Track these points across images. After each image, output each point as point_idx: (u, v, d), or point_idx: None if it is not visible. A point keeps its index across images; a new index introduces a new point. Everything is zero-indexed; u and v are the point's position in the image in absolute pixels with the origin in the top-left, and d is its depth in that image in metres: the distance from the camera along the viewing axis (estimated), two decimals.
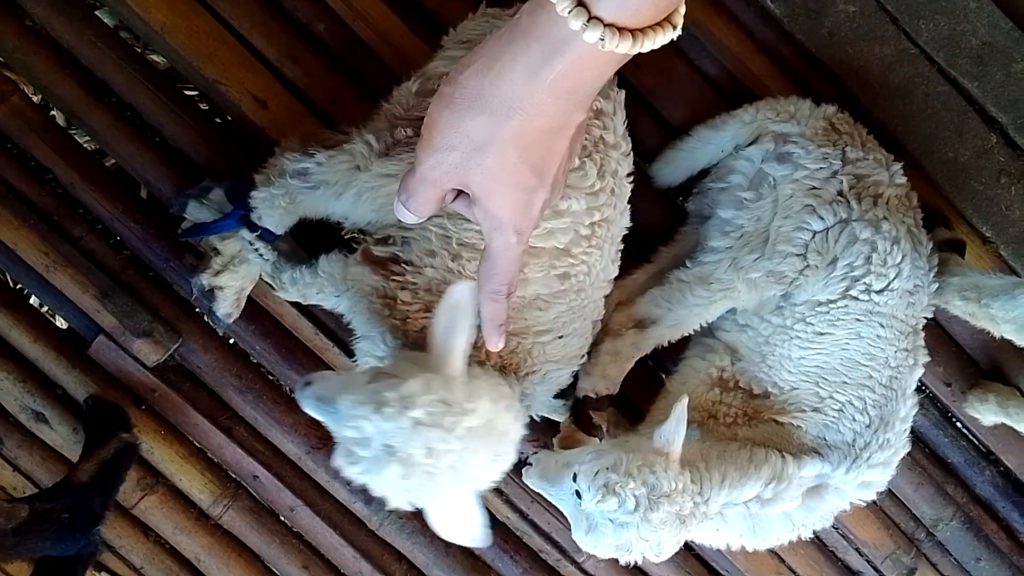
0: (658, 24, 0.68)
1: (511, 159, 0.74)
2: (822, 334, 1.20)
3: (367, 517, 1.50)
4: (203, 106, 1.37)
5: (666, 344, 1.30)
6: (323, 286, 1.19)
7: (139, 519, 1.45)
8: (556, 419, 1.34)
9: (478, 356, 1.07)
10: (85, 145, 1.37)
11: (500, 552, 1.51)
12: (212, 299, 1.27)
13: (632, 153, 1.16)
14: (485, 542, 1.04)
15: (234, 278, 1.27)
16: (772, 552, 1.55)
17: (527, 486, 1.46)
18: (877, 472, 1.22)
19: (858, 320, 1.19)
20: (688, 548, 1.56)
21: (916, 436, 1.51)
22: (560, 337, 1.14)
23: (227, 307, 1.28)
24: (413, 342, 1.10)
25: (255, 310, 1.37)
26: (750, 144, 1.28)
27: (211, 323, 1.35)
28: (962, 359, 1.51)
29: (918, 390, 1.27)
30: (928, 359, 1.26)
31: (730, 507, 1.16)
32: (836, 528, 1.56)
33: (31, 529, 1.14)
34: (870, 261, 1.17)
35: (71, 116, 1.33)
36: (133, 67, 1.30)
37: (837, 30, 1.34)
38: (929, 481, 1.54)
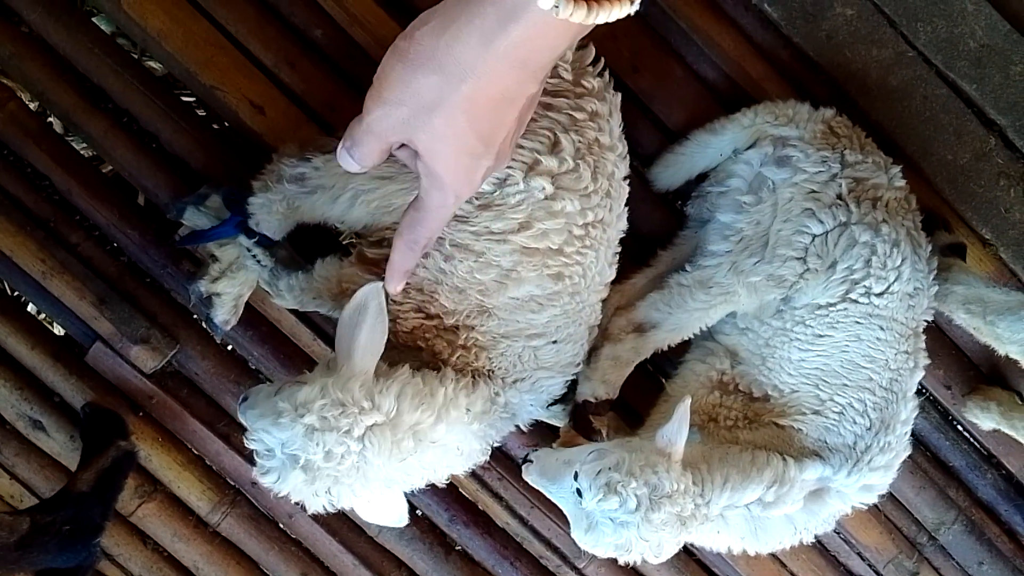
0: None
1: (460, 124, 0.74)
2: (822, 337, 1.20)
3: (366, 524, 1.49)
4: (200, 112, 1.37)
5: (666, 348, 1.30)
6: (319, 290, 1.19)
7: (137, 527, 1.44)
8: (556, 424, 1.34)
9: (444, 351, 1.09)
10: (82, 152, 1.36)
11: (500, 559, 1.51)
12: (210, 306, 1.27)
13: (629, 156, 1.16)
14: (404, 522, 1.08)
15: (232, 285, 1.26)
16: (774, 557, 1.54)
17: (526, 492, 1.46)
18: (878, 475, 1.21)
19: (858, 323, 1.18)
20: (689, 553, 1.55)
21: (917, 440, 1.51)
22: (554, 342, 1.14)
23: (225, 314, 1.28)
24: (403, 343, 1.10)
25: (253, 316, 1.37)
26: (749, 148, 1.27)
27: (209, 330, 1.35)
28: (962, 362, 1.50)
29: (918, 393, 1.26)
30: (928, 362, 1.26)
31: (731, 509, 1.16)
32: (838, 532, 1.56)
33: (33, 542, 1.14)
34: (870, 264, 1.17)
35: (67, 122, 1.33)
36: (130, 73, 1.30)
37: (835, 33, 1.34)
38: (931, 485, 1.54)
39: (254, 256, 1.22)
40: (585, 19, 0.66)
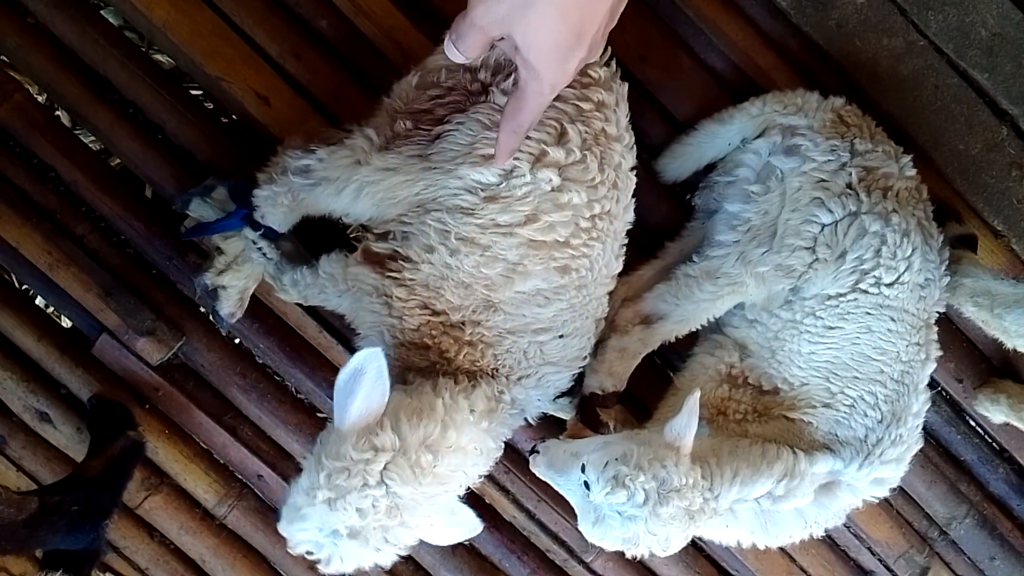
0: None
1: (553, 18, 0.79)
2: (832, 328, 1.19)
3: None
4: (208, 105, 1.36)
5: (673, 340, 1.29)
6: (324, 287, 1.18)
7: (144, 519, 1.44)
8: (563, 416, 1.33)
9: (451, 348, 1.09)
10: (90, 145, 1.36)
11: (507, 552, 1.50)
12: (215, 298, 1.27)
13: (636, 147, 1.15)
14: (479, 528, 1.07)
15: (237, 277, 1.26)
16: (783, 551, 1.53)
17: (533, 485, 1.46)
18: (890, 468, 1.20)
19: (868, 314, 1.17)
20: (698, 548, 1.54)
21: (928, 434, 1.50)
22: (560, 336, 1.13)
23: (231, 306, 1.28)
24: (409, 340, 1.10)
25: (259, 308, 1.36)
26: (757, 137, 1.26)
27: (215, 322, 1.34)
28: (974, 355, 1.49)
29: (929, 387, 1.25)
30: (940, 354, 1.24)
31: (741, 503, 1.15)
32: (848, 527, 1.55)
33: (42, 521, 1.14)
34: (880, 254, 1.16)
35: (74, 114, 1.33)
36: (136, 65, 1.30)
37: (845, 22, 1.32)
38: (942, 479, 1.53)
39: (259, 249, 1.22)
40: None
